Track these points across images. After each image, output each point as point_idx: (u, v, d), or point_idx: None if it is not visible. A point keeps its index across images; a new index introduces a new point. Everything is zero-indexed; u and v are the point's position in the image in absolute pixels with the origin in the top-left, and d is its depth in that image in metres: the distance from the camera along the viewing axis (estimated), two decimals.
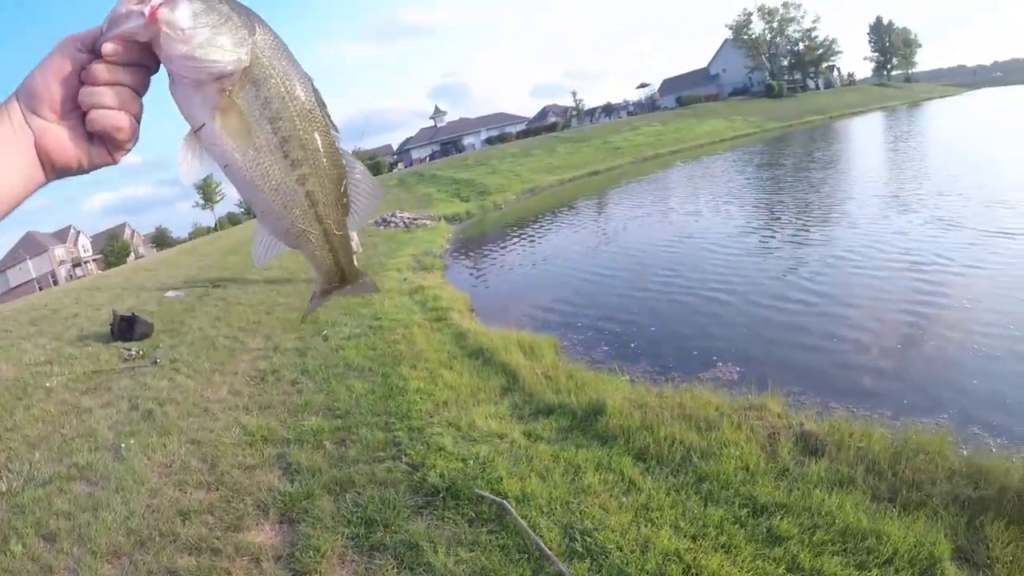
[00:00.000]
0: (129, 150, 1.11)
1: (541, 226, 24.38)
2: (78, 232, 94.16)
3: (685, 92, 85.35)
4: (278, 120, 1.10)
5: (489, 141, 77.30)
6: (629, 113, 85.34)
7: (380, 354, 9.50)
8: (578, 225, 23.87)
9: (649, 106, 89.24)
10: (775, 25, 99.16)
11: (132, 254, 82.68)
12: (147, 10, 0.95)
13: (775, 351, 8.72)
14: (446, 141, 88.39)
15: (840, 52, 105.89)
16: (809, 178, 25.47)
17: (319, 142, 1.17)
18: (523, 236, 22.74)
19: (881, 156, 32.18)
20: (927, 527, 4.37)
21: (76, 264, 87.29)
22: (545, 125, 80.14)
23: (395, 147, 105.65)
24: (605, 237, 19.93)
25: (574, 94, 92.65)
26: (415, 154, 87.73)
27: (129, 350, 12.06)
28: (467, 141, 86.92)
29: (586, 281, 14.14)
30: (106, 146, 1.08)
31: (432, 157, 76.53)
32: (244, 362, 10.55)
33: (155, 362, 11.16)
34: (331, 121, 1.20)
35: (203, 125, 1.06)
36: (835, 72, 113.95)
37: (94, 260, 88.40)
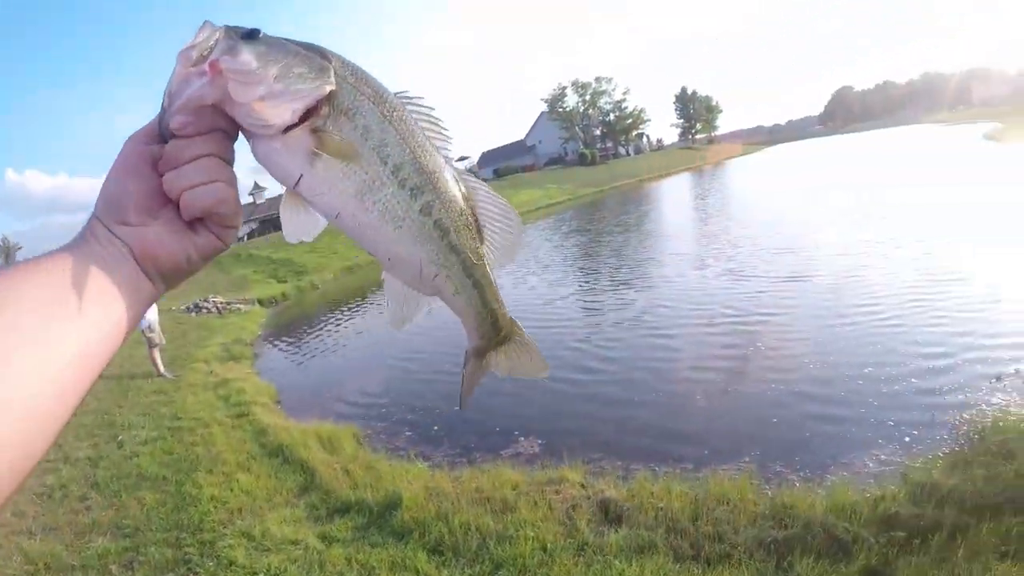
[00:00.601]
0: (238, 227, 1.01)
1: (355, 307, 24.07)
2: None
3: (503, 163, 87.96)
4: (384, 147, 0.99)
5: None
6: None
7: (176, 459, 9.06)
8: (369, 315, 23.38)
9: None
10: (587, 98, 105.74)
11: None
12: (207, 67, 0.88)
13: (576, 420, 9.06)
14: (265, 219, 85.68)
15: (648, 120, 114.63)
16: (612, 242, 27.33)
17: (435, 162, 1.05)
18: (336, 319, 22.40)
19: (682, 214, 35.68)
20: None
21: None
22: None
23: None
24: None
25: None
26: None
27: None
28: None
29: (392, 365, 14.18)
30: (212, 230, 0.97)
31: (251, 236, 74.16)
32: (31, 477, 9.69)
33: None
34: (441, 135, 1.09)
35: (300, 177, 0.96)
36: (644, 139, 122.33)
37: None
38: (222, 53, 0.88)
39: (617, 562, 4.96)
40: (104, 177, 0.94)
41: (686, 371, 10.08)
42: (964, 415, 7.25)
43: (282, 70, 0.91)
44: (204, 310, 27.91)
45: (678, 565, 4.90)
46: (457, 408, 10.01)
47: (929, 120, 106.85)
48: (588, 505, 6.01)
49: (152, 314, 13.52)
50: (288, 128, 0.92)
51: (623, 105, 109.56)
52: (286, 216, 1.02)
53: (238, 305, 28.79)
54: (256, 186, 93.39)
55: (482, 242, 1.14)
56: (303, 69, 0.92)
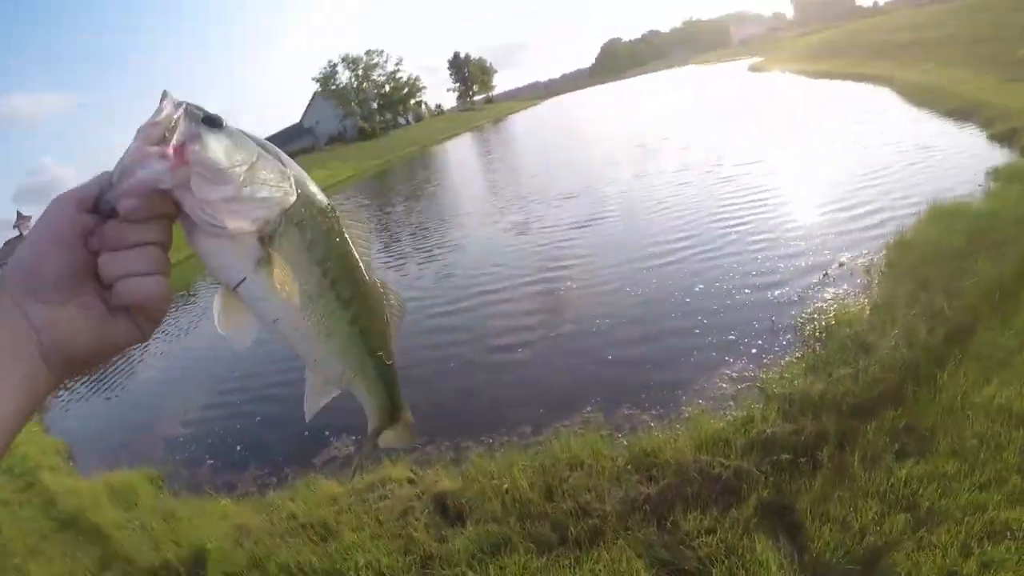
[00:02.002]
0: (162, 321, 0.97)
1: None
2: None
3: (282, 148, 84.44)
4: (326, 262, 1.02)
5: None
6: None
7: None
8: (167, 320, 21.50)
9: None
10: (360, 72, 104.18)
11: None
12: (170, 150, 0.84)
13: None
14: None
15: (424, 87, 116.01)
16: (403, 210, 26.68)
17: (362, 273, 1.11)
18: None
19: (469, 173, 35.15)
20: (616, 558, 3.98)
21: None
22: None
23: None
24: (184, 331, 18.10)
25: None
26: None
27: None
28: None
29: (190, 384, 12.70)
30: (135, 320, 0.91)
31: None
32: None
33: None
34: (368, 245, 1.14)
35: (243, 280, 0.95)
36: (423, 107, 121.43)
37: None
38: (188, 140, 0.86)
39: (471, 572, 4.30)
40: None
41: (501, 332, 9.48)
42: (804, 314, 7.26)
43: (249, 173, 0.90)
44: None
45: (544, 558, 4.23)
46: (258, 419, 9.43)
47: (696, 61, 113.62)
48: (422, 506, 5.31)
49: None
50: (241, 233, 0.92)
51: (397, 75, 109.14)
52: (224, 320, 0.99)
53: None
54: (19, 216, 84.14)
55: (390, 338, 1.23)
56: (268, 175, 0.93)
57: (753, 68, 53.64)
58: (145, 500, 7.47)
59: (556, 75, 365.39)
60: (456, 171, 39.05)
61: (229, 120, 0.93)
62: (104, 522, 6.98)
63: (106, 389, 15.40)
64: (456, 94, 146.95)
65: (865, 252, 8.22)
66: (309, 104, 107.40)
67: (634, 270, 10.12)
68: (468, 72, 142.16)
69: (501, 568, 4.21)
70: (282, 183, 0.94)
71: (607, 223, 13.87)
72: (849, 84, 27.65)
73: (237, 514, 6.29)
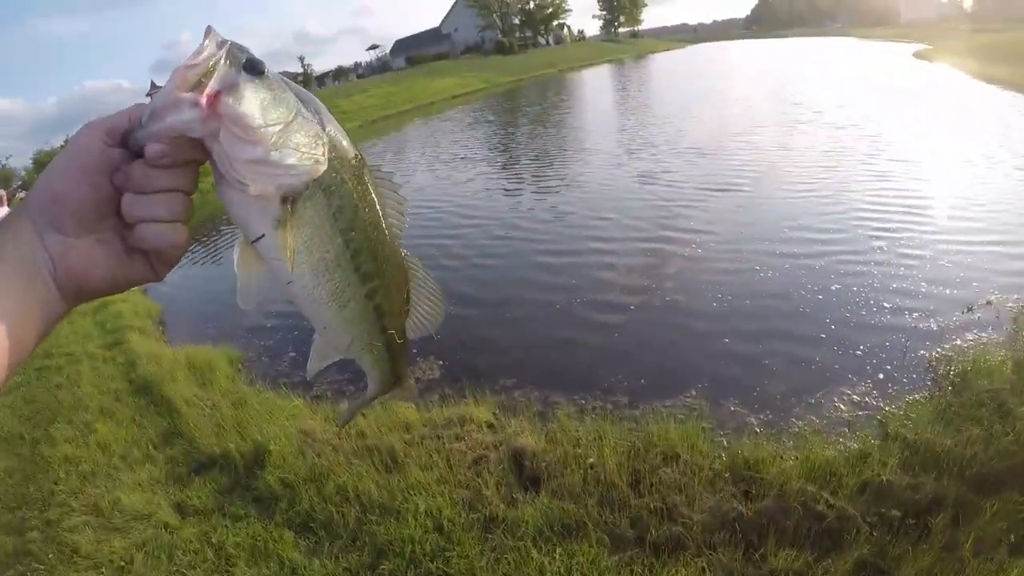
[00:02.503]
0: (176, 263, 0.96)
1: None
2: None
3: (417, 52, 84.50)
4: (350, 232, 1.00)
5: None
6: (359, 76, 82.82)
7: (37, 410, 7.82)
8: None
9: (381, 68, 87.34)
10: None
11: None
12: (203, 99, 0.80)
13: (483, 336, 8.01)
14: None
15: (570, 11, 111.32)
16: (528, 133, 26.11)
17: (389, 250, 1.09)
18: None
19: (602, 106, 33.67)
20: None
21: None
22: None
23: None
24: None
25: (302, 59, 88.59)
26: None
27: None
28: None
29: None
30: (151, 261, 0.91)
31: None
32: None
33: None
34: (401, 217, 1.11)
35: (262, 237, 0.94)
36: (565, 30, 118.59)
37: None
38: (224, 88, 0.82)
39: (535, 551, 3.90)
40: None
41: (609, 287, 8.89)
42: (939, 350, 6.36)
43: (281, 136, 0.87)
44: None
45: (616, 557, 3.81)
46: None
47: (856, 34, 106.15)
48: (497, 458, 4.90)
49: None
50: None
51: None
52: (240, 273, 0.98)
53: None
54: (153, 86, 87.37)
55: (407, 316, 1.21)
56: (302, 139, 0.90)
57: (919, 55, 49.32)
58: (220, 381, 7.48)
59: (707, 20, 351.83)
60: (589, 102, 37.68)
61: (267, 65, 0.89)
62: (176, 396, 7.05)
63: (209, 258, 15.82)
64: (601, 22, 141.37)
65: (1016, 297, 7.35)
66: (451, 9, 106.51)
67: (764, 254, 9.18)
68: (617, 2, 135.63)
69: (569, 556, 3.80)
70: (314, 150, 0.91)
71: (740, 193, 12.67)
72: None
73: (306, 417, 6.15)
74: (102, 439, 6.53)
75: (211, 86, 0.81)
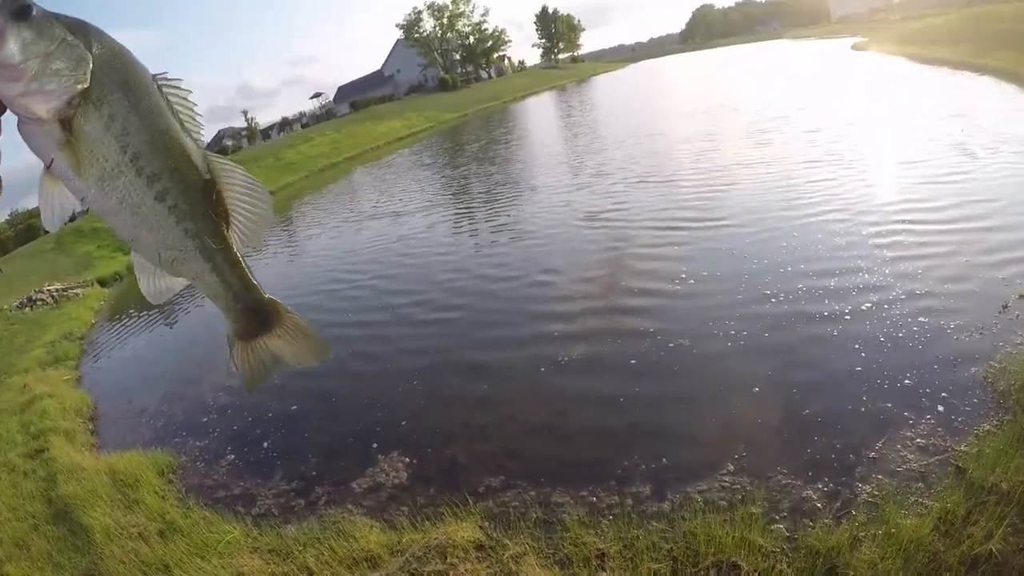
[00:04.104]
0: None
1: None
2: None
3: (361, 96, 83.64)
4: (126, 135, 1.04)
5: None
6: (304, 125, 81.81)
7: None
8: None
9: (325, 115, 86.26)
10: (445, 21, 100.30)
11: None
12: None
13: (452, 417, 6.73)
14: None
15: (509, 42, 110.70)
16: (477, 171, 24.42)
17: (179, 148, 1.10)
18: (183, 291, 19.39)
19: (551, 131, 32.80)
20: None
21: None
22: (217, 151, 74.16)
23: None
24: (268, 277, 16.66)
25: (245, 113, 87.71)
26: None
27: None
28: None
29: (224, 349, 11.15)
30: None
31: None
32: None
33: None
34: (193, 120, 1.14)
35: (52, 161, 1.02)
36: (506, 61, 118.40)
37: None
38: None
39: None
40: None
41: (603, 341, 7.47)
42: (991, 363, 5.44)
43: (41, 65, 0.96)
44: (39, 303, 23.59)
45: None
46: (295, 410, 7.78)
47: (790, 35, 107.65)
48: None
49: None
50: (41, 119, 0.99)
51: (482, 27, 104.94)
52: (42, 198, 1.06)
53: (76, 290, 24.74)
54: None
55: (228, 226, 1.19)
56: (61, 64, 0.98)
57: (857, 47, 49.76)
58: (147, 499, 6.25)
59: (644, 39, 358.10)
60: (535, 131, 36.39)
61: (36, 6, 0.97)
62: (96, 525, 5.85)
63: (145, 343, 14.47)
64: (541, 50, 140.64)
65: None
66: (392, 51, 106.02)
67: (767, 283, 7.91)
68: (555, 28, 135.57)
69: None
70: (76, 71, 0.98)
71: (719, 221, 10.93)
72: (968, 75, 24.28)
73: (246, 552, 4.93)
74: None
75: None
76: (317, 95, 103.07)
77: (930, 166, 11.86)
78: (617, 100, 44.18)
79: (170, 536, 5.41)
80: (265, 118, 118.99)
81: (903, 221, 9.11)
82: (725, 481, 4.62)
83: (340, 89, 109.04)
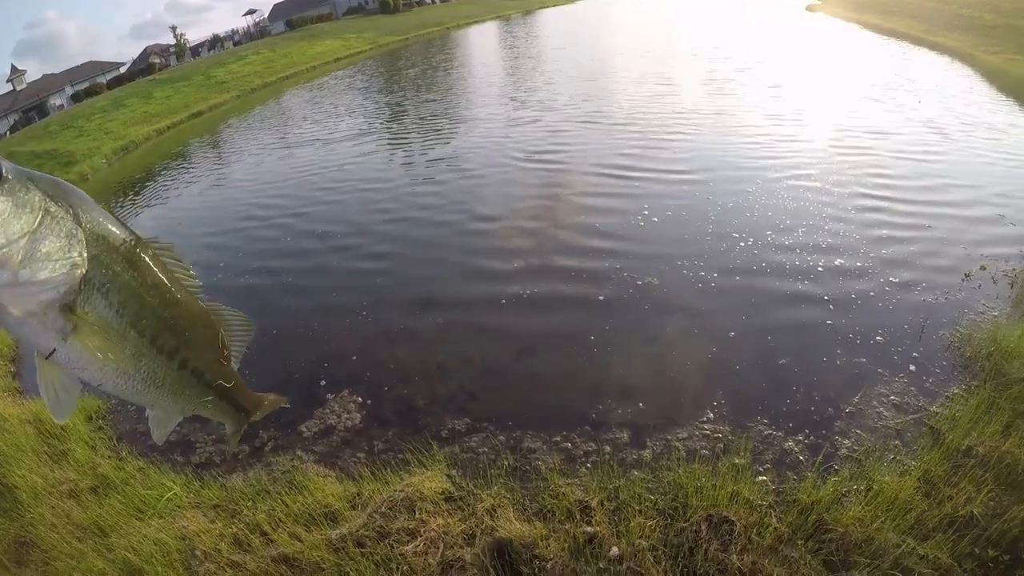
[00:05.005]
0: None
1: (134, 196, 19.68)
2: None
3: (298, 15, 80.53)
4: (140, 319, 0.99)
5: (76, 97, 65.72)
6: (236, 43, 78.48)
7: None
8: (168, 190, 17.89)
9: (259, 34, 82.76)
10: None
11: None
12: None
13: (407, 352, 6.28)
14: (28, 107, 73.94)
15: None
16: (417, 97, 23.14)
17: (188, 312, 1.09)
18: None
19: (496, 61, 31.70)
20: None
21: None
22: (143, 68, 70.34)
23: None
24: (191, 206, 15.11)
25: (174, 29, 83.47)
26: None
27: None
28: (54, 103, 73.54)
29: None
30: None
31: (13, 130, 63.96)
32: None
33: None
34: (187, 274, 1.12)
35: (54, 351, 0.92)
36: None
37: None
38: None
39: None
40: None
41: (571, 276, 7.19)
42: (957, 329, 5.48)
43: (28, 249, 0.83)
44: None
45: None
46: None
47: None
48: (475, 559, 3.42)
49: None
50: (35, 315, 0.86)
51: None
52: (46, 391, 0.97)
53: None
54: (13, 69, 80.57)
55: (231, 361, 1.25)
56: (53, 246, 0.86)
57: (810, 9, 48.91)
58: (76, 451, 5.74)
59: None
60: (477, 61, 34.36)
61: (6, 165, 0.84)
62: (24, 484, 5.35)
63: None
64: None
65: (1005, 259, 6.59)
66: None
67: (739, 228, 7.73)
68: None
69: None
70: (70, 253, 0.88)
71: (688, 173, 10.13)
72: (924, 51, 24.10)
73: (188, 510, 4.53)
74: None
75: None
76: (251, 12, 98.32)
77: (899, 135, 11.67)
78: (566, 35, 42.24)
79: (104, 493, 4.98)
80: (195, 35, 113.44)
81: (872, 186, 9.06)
82: (706, 429, 4.51)
83: (275, 7, 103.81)
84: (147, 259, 1.01)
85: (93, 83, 68.15)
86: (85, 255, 0.88)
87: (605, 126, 13.73)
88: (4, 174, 0.82)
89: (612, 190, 9.59)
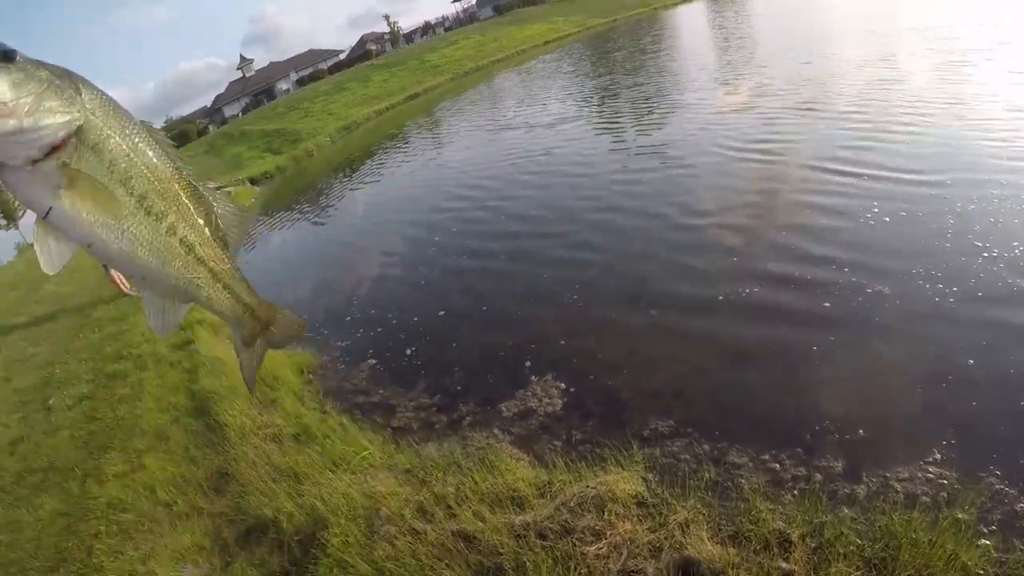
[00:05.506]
0: None
1: (353, 170, 20.89)
2: None
3: (503, 0, 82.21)
4: (130, 179, 1.06)
5: (301, 82, 71.46)
6: (447, 29, 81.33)
7: (96, 432, 7.11)
8: (385, 167, 19.92)
9: (468, 20, 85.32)
10: None
11: None
12: None
13: (617, 341, 5.92)
14: (258, 92, 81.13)
15: None
16: (629, 78, 22.34)
17: (177, 186, 1.15)
18: (330, 188, 19.50)
19: (709, 44, 29.92)
20: None
21: None
22: (361, 55, 74.73)
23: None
24: (405, 184, 16.27)
25: (387, 17, 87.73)
26: (228, 111, 78.64)
27: None
28: (280, 87, 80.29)
29: (379, 250, 10.97)
30: None
31: (245, 111, 70.57)
32: None
33: None
34: (180, 160, 1.18)
35: (50, 210, 1.00)
36: None
37: None
38: None
39: None
40: None
41: (808, 285, 6.11)
42: None
43: (33, 103, 0.94)
44: None
45: None
46: (442, 315, 7.45)
47: None
48: (657, 573, 3.15)
49: None
50: (35, 161, 0.96)
51: None
52: (40, 248, 1.04)
53: (228, 188, 26.23)
54: (242, 59, 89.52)
55: (227, 247, 1.27)
56: (55, 103, 0.97)
57: None
58: (284, 400, 6.21)
59: None
60: (687, 42, 31.75)
61: (20, 52, 0.95)
62: (232, 423, 5.88)
63: (298, 239, 14.71)
64: None
65: None
66: None
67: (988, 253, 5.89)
68: None
69: None
70: (70, 108, 0.98)
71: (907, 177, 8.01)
72: None
73: (380, 471, 4.65)
74: (149, 479, 5.58)
75: None
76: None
77: None
78: (778, 13, 39.63)
79: (304, 442, 5.29)
80: (407, 23, 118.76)
81: None
82: (930, 473, 3.75)
83: None
84: (142, 132, 1.08)
85: (315, 69, 73.70)
86: (82, 113, 0.96)
87: (824, 115, 11.69)
88: (16, 57, 0.92)
89: (833, 188, 8.13)
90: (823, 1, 40.51)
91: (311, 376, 6.86)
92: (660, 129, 13.14)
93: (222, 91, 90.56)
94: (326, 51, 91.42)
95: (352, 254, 11.33)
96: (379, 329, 7.55)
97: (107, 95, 1.03)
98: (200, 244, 1.18)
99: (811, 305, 5.72)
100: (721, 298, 6.14)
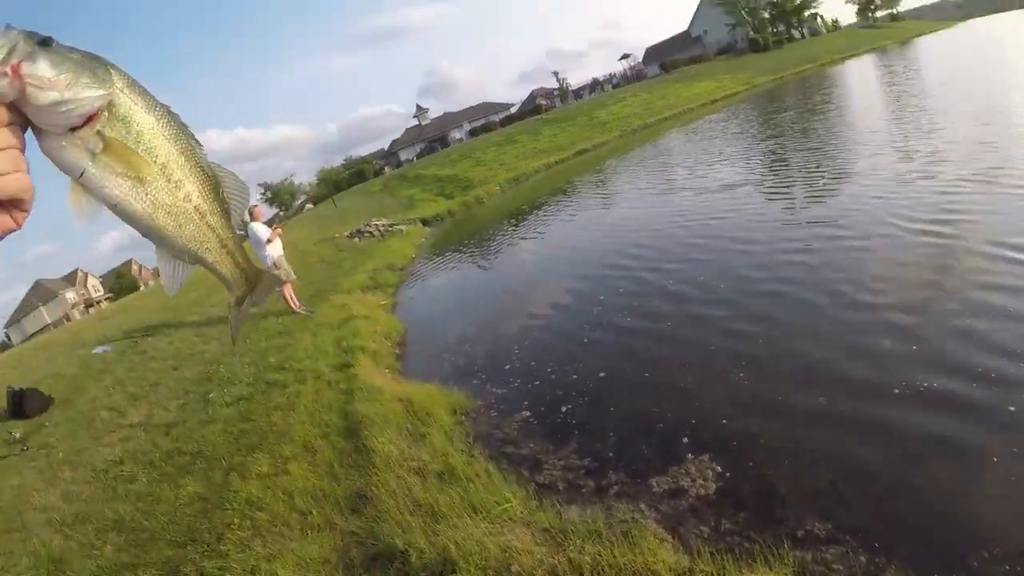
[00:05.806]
0: (30, 211, 1.11)
1: (519, 220, 21.44)
2: (86, 274, 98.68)
3: (670, 57, 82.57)
4: (154, 148, 1.18)
5: (473, 132, 74.87)
6: (614, 86, 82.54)
7: (247, 431, 7.75)
8: (551, 219, 20.02)
9: (635, 76, 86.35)
10: None
11: (142, 287, 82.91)
12: (8, 69, 0.99)
13: (778, 429, 5.37)
14: (432, 139, 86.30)
15: None
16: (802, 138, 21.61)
17: (193, 159, 1.27)
18: (496, 235, 19.98)
19: (878, 99, 28.29)
20: None
21: (88, 305, 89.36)
22: (531, 109, 77.20)
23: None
24: (572, 238, 16.16)
25: (556, 74, 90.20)
26: (403, 155, 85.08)
27: (13, 433, 10.46)
28: (453, 136, 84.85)
29: (546, 301, 10.86)
30: (9, 212, 1.06)
31: (419, 156, 74.71)
32: (105, 446, 9.01)
33: (24, 449, 9.72)
34: (195, 139, 1.30)
35: (83, 172, 1.11)
36: (819, 19, 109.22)
37: (106, 299, 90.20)
38: (22, 58, 1.01)
39: None
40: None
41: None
42: None
43: (72, 78, 1.05)
44: (366, 234, 27.32)
45: None
46: (603, 376, 7.23)
47: None
48: None
49: (275, 250, 13.02)
50: (74, 129, 1.08)
51: None
52: (73, 207, 1.16)
53: (400, 227, 27.97)
54: (419, 108, 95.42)
55: (230, 217, 1.40)
56: (89, 78, 1.08)
57: None
58: (433, 437, 6.27)
59: None
60: (856, 101, 29.58)
61: (55, 39, 1.07)
62: (380, 450, 6.02)
63: (463, 280, 15.15)
64: (855, 7, 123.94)
65: None
66: (696, 11, 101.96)
67: None
68: None
69: None
70: (103, 84, 1.09)
71: None
72: None
73: (519, 525, 4.53)
74: (290, 485, 5.91)
75: (13, 59, 0.98)
76: (625, 56, 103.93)
77: None
78: (950, 66, 36.29)
79: (447, 481, 5.28)
80: (575, 79, 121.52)
81: None
82: None
83: (649, 50, 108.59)
84: (164, 111, 1.20)
85: (488, 120, 76.97)
86: (113, 89, 1.09)
87: (1008, 187, 9.93)
88: (54, 43, 1.03)
89: (1019, 281, 6.76)
90: (993, 50, 37.59)
91: (463, 418, 6.90)
92: (832, 197, 11.96)
93: (398, 136, 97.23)
94: (498, 104, 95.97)
95: (516, 302, 11.38)
96: (537, 382, 7.52)
97: (133, 77, 1.15)
98: (210, 213, 1.31)
99: (993, 405, 4.93)
100: (897, 391, 5.42)
